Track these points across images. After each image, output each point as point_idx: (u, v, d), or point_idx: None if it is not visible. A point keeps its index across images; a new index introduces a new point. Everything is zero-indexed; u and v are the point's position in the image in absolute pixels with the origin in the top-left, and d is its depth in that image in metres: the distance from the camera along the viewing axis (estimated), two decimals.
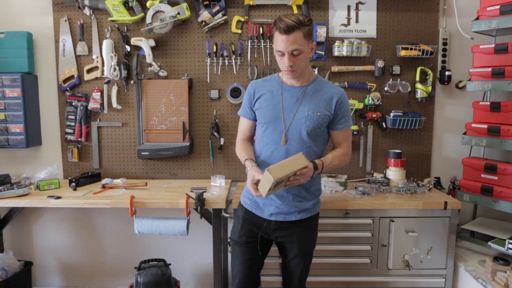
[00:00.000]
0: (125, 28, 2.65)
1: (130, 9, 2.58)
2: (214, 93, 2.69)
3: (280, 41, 1.63)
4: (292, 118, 1.76)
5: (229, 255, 2.15)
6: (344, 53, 2.58)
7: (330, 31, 2.66)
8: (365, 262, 2.29)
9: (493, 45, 2.29)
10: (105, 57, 2.60)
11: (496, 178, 2.31)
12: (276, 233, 1.83)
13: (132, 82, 2.68)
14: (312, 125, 1.74)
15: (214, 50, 2.65)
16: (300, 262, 1.87)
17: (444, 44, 2.65)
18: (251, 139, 1.94)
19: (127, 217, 2.30)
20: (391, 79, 2.64)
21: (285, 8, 2.62)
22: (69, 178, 2.51)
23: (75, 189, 2.44)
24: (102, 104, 2.69)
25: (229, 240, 2.10)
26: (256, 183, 1.65)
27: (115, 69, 2.63)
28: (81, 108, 2.69)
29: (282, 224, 1.81)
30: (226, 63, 2.68)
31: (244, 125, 1.91)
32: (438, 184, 2.71)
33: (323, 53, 2.62)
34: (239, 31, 2.64)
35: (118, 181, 2.61)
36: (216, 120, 2.70)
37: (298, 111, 1.76)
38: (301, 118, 1.75)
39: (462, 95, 2.72)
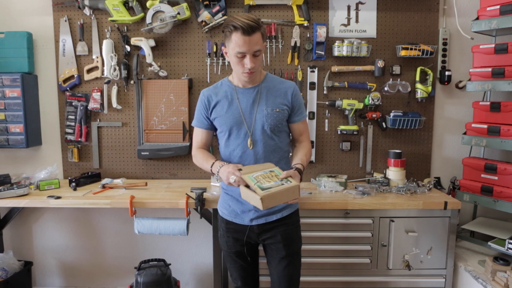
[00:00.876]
0: (125, 28, 2.65)
1: (130, 9, 2.58)
2: None
3: (242, 42, 1.59)
4: (253, 119, 1.75)
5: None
6: (344, 53, 2.58)
7: (330, 31, 2.66)
8: (365, 262, 2.29)
9: (493, 45, 2.29)
10: (105, 57, 2.60)
11: (496, 178, 2.31)
12: (261, 236, 1.81)
13: (132, 82, 2.69)
14: (274, 122, 1.75)
15: (214, 50, 2.65)
16: (289, 264, 1.82)
17: (444, 44, 2.65)
18: (208, 148, 1.91)
19: (127, 217, 2.30)
20: (391, 79, 2.64)
21: (285, 8, 2.62)
22: (69, 178, 2.52)
23: (75, 189, 2.44)
24: (102, 104, 2.69)
25: None
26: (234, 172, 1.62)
27: (115, 69, 2.63)
28: (81, 108, 2.69)
29: (265, 226, 1.79)
30: (226, 63, 2.68)
31: (200, 135, 1.87)
32: (438, 184, 2.71)
33: (323, 53, 2.62)
34: None
35: (118, 181, 2.61)
36: None
37: (258, 111, 1.75)
38: (262, 117, 1.75)
39: (462, 95, 2.72)
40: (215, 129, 1.86)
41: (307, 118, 1.91)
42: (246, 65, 1.65)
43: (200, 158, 1.83)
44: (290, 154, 1.91)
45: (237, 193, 1.72)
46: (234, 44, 1.62)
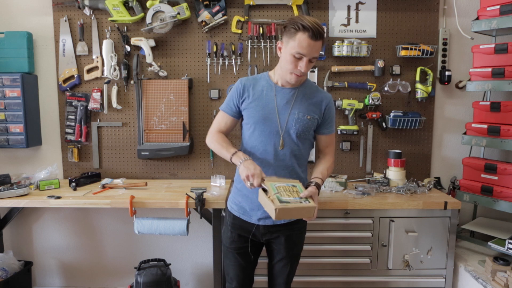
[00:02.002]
0: (125, 28, 2.65)
1: (130, 9, 2.58)
2: (214, 93, 2.69)
3: (306, 45, 1.57)
4: (286, 120, 1.74)
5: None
6: (344, 53, 2.58)
7: (330, 31, 2.66)
8: (365, 262, 2.29)
9: (493, 45, 2.29)
10: (105, 57, 2.60)
11: (496, 178, 2.31)
12: (265, 236, 1.81)
13: (132, 82, 2.69)
14: (302, 128, 1.73)
15: (214, 50, 2.65)
16: (287, 264, 1.85)
17: (444, 44, 2.65)
18: (226, 135, 1.85)
19: (127, 217, 2.29)
20: (391, 79, 2.64)
21: (285, 8, 2.62)
22: (69, 178, 2.51)
23: (75, 189, 2.44)
24: (102, 104, 2.69)
25: None
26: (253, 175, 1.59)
27: (115, 69, 2.63)
28: (81, 108, 2.69)
29: (271, 228, 1.79)
30: (226, 63, 2.68)
31: (224, 120, 1.81)
32: (438, 184, 2.71)
33: (323, 53, 2.62)
34: (239, 31, 2.64)
35: (118, 181, 2.61)
36: None
37: (290, 113, 1.74)
38: (292, 120, 1.73)
39: (462, 95, 2.72)
40: (240, 120, 1.83)
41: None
42: (299, 67, 1.63)
43: (217, 142, 1.76)
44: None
45: (248, 190, 1.70)
46: (297, 43, 1.59)
